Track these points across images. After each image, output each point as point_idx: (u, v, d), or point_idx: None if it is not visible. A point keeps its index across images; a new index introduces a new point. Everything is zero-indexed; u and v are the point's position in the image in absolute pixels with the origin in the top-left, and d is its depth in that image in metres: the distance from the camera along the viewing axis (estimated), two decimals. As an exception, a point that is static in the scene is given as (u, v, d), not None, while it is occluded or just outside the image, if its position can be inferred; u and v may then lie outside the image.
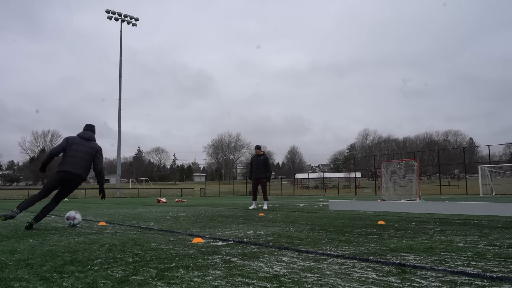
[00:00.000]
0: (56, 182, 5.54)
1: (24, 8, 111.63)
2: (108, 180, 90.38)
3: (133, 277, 2.34)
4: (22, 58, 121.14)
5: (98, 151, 5.73)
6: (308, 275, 2.34)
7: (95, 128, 6.00)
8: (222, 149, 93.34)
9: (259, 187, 11.41)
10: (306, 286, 2.08)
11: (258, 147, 11.39)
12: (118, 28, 46.73)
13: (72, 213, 5.90)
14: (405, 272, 2.39)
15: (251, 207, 11.01)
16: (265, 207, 11.00)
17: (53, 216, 8.17)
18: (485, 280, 2.17)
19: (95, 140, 5.85)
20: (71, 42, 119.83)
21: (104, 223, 6.09)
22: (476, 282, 2.12)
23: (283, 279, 2.25)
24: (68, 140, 5.68)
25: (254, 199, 11.38)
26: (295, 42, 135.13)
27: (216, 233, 4.63)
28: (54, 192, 5.70)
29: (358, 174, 63.02)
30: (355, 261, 2.79)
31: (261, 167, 11.04)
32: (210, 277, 2.30)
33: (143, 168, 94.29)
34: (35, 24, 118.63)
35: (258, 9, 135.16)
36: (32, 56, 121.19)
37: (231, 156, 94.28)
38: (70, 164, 5.49)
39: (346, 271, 2.45)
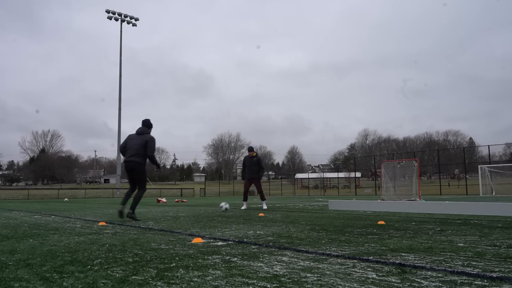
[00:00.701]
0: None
1: (23, 8, 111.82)
2: (108, 180, 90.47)
3: (133, 277, 2.34)
4: (22, 58, 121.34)
5: (148, 141, 7.01)
6: (308, 275, 2.34)
7: (150, 121, 7.32)
8: (222, 149, 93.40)
9: (252, 189, 11.38)
10: (306, 286, 2.08)
11: (251, 149, 11.36)
12: (118, 27, 46.76)
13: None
14: (405, 272, 2.39)
15: (243, 207, 10.90)
16: (265, 206, 11.01)
17: (53, 216, 8.17)
18: (485, 280, 2.17)
19: (147, 133, 7.17)
20: (70, 41, 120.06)
21: (104, 223, 6.09)
22: (476, 282, 2.12)
23: (283, 279, 2.25)
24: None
25: (245, 199, 11.22)
26: (295, 41, 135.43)
27: (216, 233, 4.63)
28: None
29: (358, 174, 63.01)
30: (355, 261, 2.79)
31: (254, 168, 10.97)
32: (210, 277, 2.30)
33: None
34: (35, 24, 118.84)
35: (258, 8, 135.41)
36: (31, 56, 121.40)
37: (231, 156, 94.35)
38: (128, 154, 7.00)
39: (346, 271, 2.45)
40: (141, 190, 7.08)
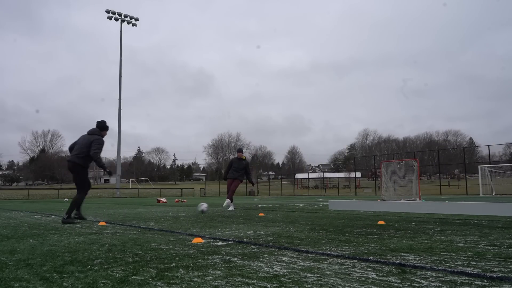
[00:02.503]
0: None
1: (21, 7, 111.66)
2: (108, 180, 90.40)
3: (133, 277, 2.34)
4: (21, 57, 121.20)
5: (93, 141, 6.59)
6: (308, 275, 2.34)
7: (103, 123, 6.92)
8: (222, 149, 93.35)
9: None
10: (306, 286, 2.08)
11: (240, 150, 11.15)
12: (117, 26, 46.82)
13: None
14: (405, 272, 2.39)
15: (230, 208, 10.36)
16: (231, 208, 10.34)
17: (53, 216, 8.17)
18: (485, 280, 2.17)
19: (97, 134, 6.76)
20: (70, 41, 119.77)
21: (104, 223, 6.09)
22: (476, 282, 2.12)
23: (283, 279, 2.24)
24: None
25: (230, 199, 10.60)
26: (296, 41, 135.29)
27: (216, 233, 4.63)
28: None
29: (358, 174, 63.04)
30: (355, 261, 2.79)
31: (240, 171, 10.64)
32: (210, 277, 2.30)
33: (143, 168, 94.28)
34: (33, 23, 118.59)
35: (258, 7, 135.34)
36: (31, 55, 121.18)
37: (231, 156, 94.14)
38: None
39: (346, 271, 2.45)
40: (80, 194, 6.58)
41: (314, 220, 6.45)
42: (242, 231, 4.82)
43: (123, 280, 2.24)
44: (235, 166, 10.74)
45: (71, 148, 6.79)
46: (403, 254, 3.06)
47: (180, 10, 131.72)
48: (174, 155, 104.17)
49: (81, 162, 6.52)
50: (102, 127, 6.86)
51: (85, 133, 6.79)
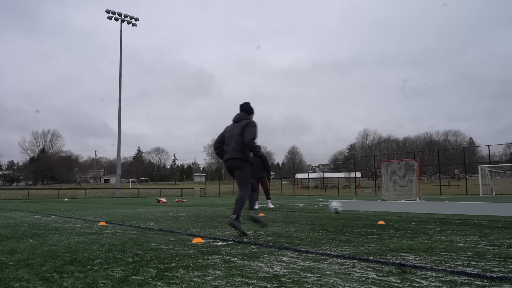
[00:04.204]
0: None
1: (20, 6, 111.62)
2: (108, 180, 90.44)
3: (133, 277, 2.34)
4: (20, 57, 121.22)
5: (246, 126, 5.11)
6: (308, 275, 2.34)
7: (248, 105, 5.41)
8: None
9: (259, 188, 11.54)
10: (306, 286, 2.08)
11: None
12: (116, 25, 46.85)
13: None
14: (405, 272, 2.39)
15: (256, 206, 11.11)
16: (270, 205, 11.23)
17: (53, 216, 8.17)
18: (485, 280, 2.17)
19: (246, 119, 5.22)
20: (69, 40, 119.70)
21: (104, 223, 6.09)
22: (476, 282, 2.12)
23: (283, 279, 2.24)
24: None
25: (268, 198, 11.55)
26: (296, 40, 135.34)
27: (216, 233, 4.63)
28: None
29: (358, 174, 62.99)
30: (355, 261, 2.79)
31: (260, 168, 11.14)
32: (210, 277, 2.30)
33: (143, 168, 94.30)
34: (32, 22, 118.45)
35: (258, 7, 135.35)
36: (30, 55, 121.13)
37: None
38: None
39: (346, 271, 2.45)
40: (242, 191, 5.03)
41: (314, 220, 6.45)
42: (242, 231, 4.81)
43: (123, 280, 2.24)
44: (254, 164, 10.99)
45: (219, 144, 5.42)
46: (403, 254, 3.06)
47: (180, 9, 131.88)
48: (174, 155, 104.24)
49: (240, 156, 5.07)
50: (249, 109, 5.41)
51: (229, 123, 5.34)
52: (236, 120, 5.25)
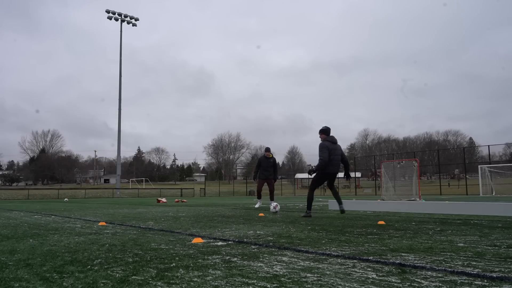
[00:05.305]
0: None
1: (20, 5, 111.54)
2: (108, 180, 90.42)
3: (133, 277, 2.34)
4: (20, 57, 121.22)
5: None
6: (308, 275, 2.34)
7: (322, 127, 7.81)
8: (222, 149, 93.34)
9: (263, 189, 11.62)
10: (306, 286, 2.08)
11: (268, 150, 11.55)
12: (116, 25, 46.89)
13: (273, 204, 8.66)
14: (405, 272, 2.39)
15: (257, 205, 11.28)
16: (258, 205, 11.31)
17: (53, 216, 8.17)
18: (485, 280, 2.17)
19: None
20: (68, 40, 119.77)
21: (104, 223, 6.09)
22: (476, 282, 2.12)
23: (283, 279, 2.25)
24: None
25: (260, 197, 11.59)
26: (296, 40, 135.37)
27: (216, 233, 4.63)
28: None
29: (358, 174, 62.96)
30: (355, 261, 2.79)
31: (269, 170, 11.22)
32: (210, 277, 2.30)
33: (143, 168, 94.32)
34: (32, 22, 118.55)
35: (258, 6, 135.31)
36: (29, 55, 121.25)
37: (231, 156, 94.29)
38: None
39: (346, 271, 2.45)
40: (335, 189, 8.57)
41: (314, 220, 6.45)
42: (242, 231, 4.82)
43: (123, 280, 2.24)
44: (264, 166, 11.27)
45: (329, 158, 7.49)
46: (403, 254, 3.06)
47: (180, 8, 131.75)
48: (174, 155, 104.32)
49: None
50: (319, 130, 7.83)
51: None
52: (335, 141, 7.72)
